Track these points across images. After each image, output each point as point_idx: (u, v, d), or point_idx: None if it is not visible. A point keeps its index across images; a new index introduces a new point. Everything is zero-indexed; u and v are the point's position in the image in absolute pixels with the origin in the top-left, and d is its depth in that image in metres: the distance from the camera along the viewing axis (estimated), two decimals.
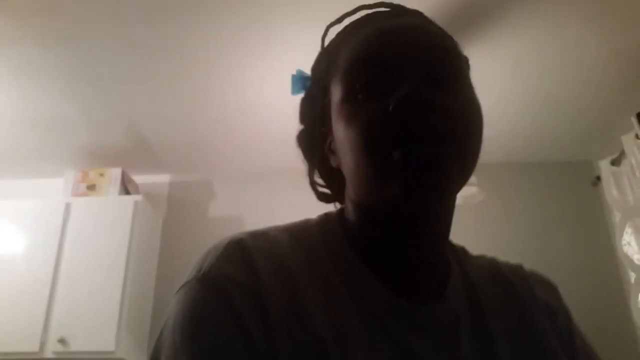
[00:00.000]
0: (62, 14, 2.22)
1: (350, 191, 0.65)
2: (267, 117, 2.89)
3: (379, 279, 0.60)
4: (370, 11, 0.68)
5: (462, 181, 0.58)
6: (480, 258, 0.74)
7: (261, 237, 0.60)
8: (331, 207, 0.74)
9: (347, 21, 0.68)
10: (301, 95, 0.73)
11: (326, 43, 0.70)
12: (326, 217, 0.68)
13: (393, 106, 0.54)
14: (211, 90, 2.79)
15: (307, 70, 0.73)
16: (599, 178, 3.17)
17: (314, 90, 0.69)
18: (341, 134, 0.60)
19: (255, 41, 2.38)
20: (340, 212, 0.69)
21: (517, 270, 0.74)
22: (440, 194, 0.56)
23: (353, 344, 0.54)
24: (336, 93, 0.62)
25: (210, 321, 0.51)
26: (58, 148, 3.38)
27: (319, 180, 0.73)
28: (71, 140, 3.29)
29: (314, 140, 0.69)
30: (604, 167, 2.99)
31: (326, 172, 0.71)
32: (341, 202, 0.73)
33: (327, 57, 0.67)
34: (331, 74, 0.64)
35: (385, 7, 0.67)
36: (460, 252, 0.72)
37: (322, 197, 0.74)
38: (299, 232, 0.64)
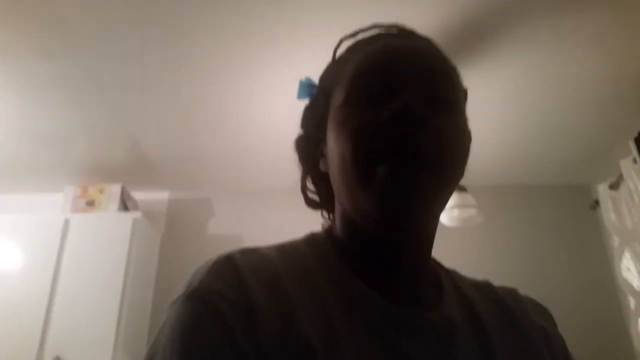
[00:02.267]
0: (62, 29, 2.23)
1: (337, 201, 0.68)
2: (267, 135, 2.90)
3: (371, 289, 0.61)
4: (382, 30, 0.70)
5: (439, 206, 0.60)
6: (474, 279, 0.76)
7: (250, 253, 0.61)
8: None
9: (359, 36, 0.71)
10: (305, 101, 0.75)
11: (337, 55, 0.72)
12: (312, 234, 0.70)
13: (387, 116, 0.56)
14: (212, 108, 2.80)
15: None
16: (597, 202, 3.17)
17: (318, 97, 0.72)
18: (332, 138, 0.62)
19: (256, 60, 2.39)
20: (327, 231, 0.70)
21: (512, 292, 0.75)
22: (416, 217, 0.58)
23: (346, 350, 0.54)
24: (337, 99, 0.64)
25: (200, 336, 0.51)
26: (58, 163, 3.38)
27: (311, 187, 0.75)
28: (71, 155, 3.30)
29: (309, 143, 0.72)
30: (602, 191, 3.00)
31: (316, 176, 0.74)
32: (328, 210, 0.75)
33: (335, 67, 0.70)
34: (336, 81, 0.67)
35: (397, 29, 0.70)
36: (452, 273, 0.74)
37: (310, 203, 0.76)
38: (288, 248, 0.66)
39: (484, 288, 0.73)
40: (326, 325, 0.55)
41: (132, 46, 2.34)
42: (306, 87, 0.74)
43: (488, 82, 2.49)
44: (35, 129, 3.01)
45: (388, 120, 0.56)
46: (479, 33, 2.21)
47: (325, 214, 0.76)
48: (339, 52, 0.72)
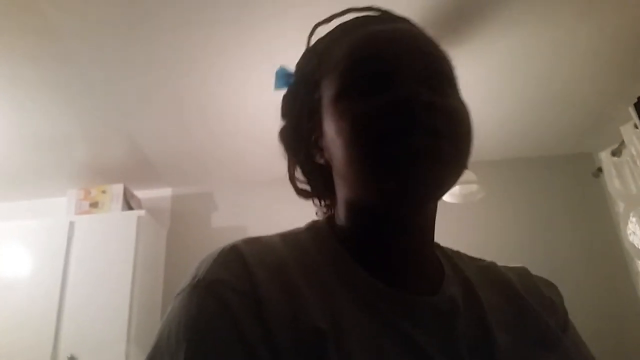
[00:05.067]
0: (53, 35, 2.22)
1: (341, 189, 0.66)
2: (266, 126, 2.89)
3: (374, 276, 0.61)
4: (358, 14, 0.70)
5: (456, 178, 0.59)
6: (477, 260, 0.75)
7: (254, 242, 0.61)
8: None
9: (335, 22, 0.70)
10: (283, 91, 0.74)
11: (312, 42, 0.72)
12: (314, 223, 0.69)
13: (393, 103, 0.56)
14: (209, 101, 2.79)
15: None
16: (600, 169, 3.17)
17: (299, 87, 0.71)
18: (333, 129, 0.61)
19: (254, 52, 2.38)
20: (328, 219, 0.70)
21: (521, 270, 0.75)
22: (438, 188, 0.58)
23: (352, 332, 0.54)
24: (330, 89, 0.63)
25: (206, 326, 0.51)
26: (59, 167, 3.39)
27: (300, 177, 0.75)
28: (72, 158, 3.30)
29: (300, 136, 0.70)
30: (605, 158, 2.99)
31: (309, 169, 0.72)
32: (320, 198, 0.75)
33: (316, 56, 0.69)
34: (323, 71, 0.65)
35: (373, 11, 0.69)
36: (453, 254, 0.73)
37: (300, 193, 0.76)
38: (291, 236, 0.65)
39: (490, 271, 0.73)
40: (332, 312, 0.55)
41: (124, 47, 2.33)
42: (283, 77, 0.73)
43: (484, 55, 2.47)
44: (33, 134, 3.01)
45: (394, 105, 0.56)
46: (473, 5, 2.19)
47: (317, 202, 0.75)
48: (314, 39, 0.71)
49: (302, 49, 0.72)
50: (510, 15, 2.25)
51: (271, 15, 2.18)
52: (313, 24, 0.71)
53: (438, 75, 0.61)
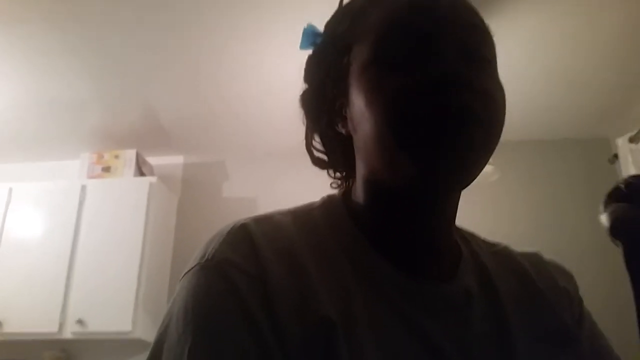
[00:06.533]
0: None
1: (361, 165, 0.63)
2: (281, 97, 2.87)
3: (387, 260, 0.59)
4: None
5: (484, 166, 0.57)
6: (493, 245, 0.73)
7: (264, 221, 0.59)
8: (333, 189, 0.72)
9: None
10: (309, 51, 0.69)
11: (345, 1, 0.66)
12: (329, 199, 0.67)
13: (430, 79, 0.53)
14: (224, 71, 2.78)
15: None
16: (616, 156, 3.12)
17: (327, 48, 0.66)
18: (363, 100, 0.57)
19: (269, 23, 2.36)
20: (344, 194, 0.67)
21: (535, 257, 0.72)
22: (467, 176, 0.56)
23: (361, 321, 0.53)
24: (362, 55, 0.59)
25: (213, 307, 0.51)
26: (73, 130, 3.40)
27: (317, 146, 0.71)
28: (86, 122, 3.31)
29: (323, 101, 0.66)
30: (622, 144, 2.95)
31: (330, 137, 0.69)
32: (336, 170, 0.72)
33: (349, 16, 0.64)
34: (356, 34, 0.61)
35: None
36: (470, 237, 0.71)
37: (317, 162, 0.72)
38: (303, 215, 0.63)
39: (503, 255, 0.70)
40: (343, 299, 0.54)
41: (140, 13, 2.32)
42: (310, 36, 0.68)
43: (505, 35, 2.43)
44: (48, 97, 3.01)
45: (431, 83, 0.52)
46: None
47: (332, 173, 0.72)
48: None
49: (326, 15, 0.68)
50: None
51: None
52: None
53: (479, 52, 0.57)
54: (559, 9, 2.29)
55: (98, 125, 3.36)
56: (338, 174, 0.72)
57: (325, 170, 0.73)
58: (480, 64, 0.57)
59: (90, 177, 3.38)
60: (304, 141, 0.71)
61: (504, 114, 0.58)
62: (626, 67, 2.70)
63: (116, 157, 3.43)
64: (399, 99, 0.54)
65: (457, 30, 0.56)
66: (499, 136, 0.58)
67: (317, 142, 0.71)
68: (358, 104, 0.58)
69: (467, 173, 0.55)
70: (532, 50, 2.58)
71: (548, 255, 0.75)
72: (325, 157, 0.71)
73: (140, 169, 3.44)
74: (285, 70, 2.64)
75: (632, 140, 2.86)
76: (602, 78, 2.82)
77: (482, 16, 0.61)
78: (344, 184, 0.72)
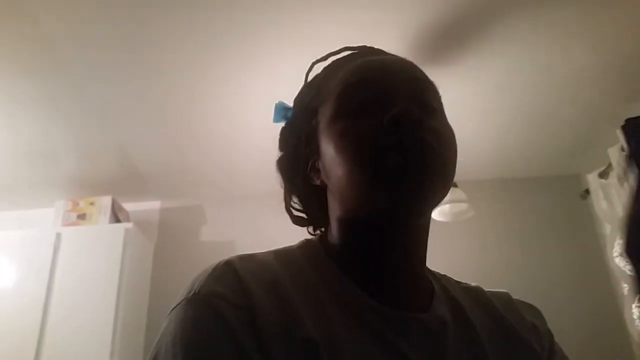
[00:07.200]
0: (46, 45, 2.22)
1: (336, 207, 0.68)
2: (255, 141, 2.90)
3: (366, 292, 0.62)
4: (353, 52, 0.75)
5: (444, 193, 0.63)
6: (464, 283, 0.78)
7: (248, 258, 0.62)
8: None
9: (330, 60, 0.76)
10: (281, 124, 0.78)
11: (309, 78, 0.76)
12: (307, 241, 0.72)
13: (387, 121, 0.59)
14: (199, 116, 2.80)
15: (289, 102, 0.78)
16: (587, 191, 3.19)
17: (297, 118, 0.74)
18: (332, 148, 0.63)
19: (242, 69, 2.39)
20: (320, 237, 0.72)
21: (503, 295, 0.77)
22: (429, 199, 0.60)
23: (344, 343, 0.55)
24: (328, 112, 0.67)
25: (202, 337, 0.52)
26: (47, 178, 3.36)
27: (295, 206, 0.77)
28: (61, 169, 3.28)
29: (298, 161, 0.73)
30: (592, 180, 3.01)
31: (306, 192, 0.75)
32: (315, 225, 0.77)
33: (314, 88, 0.73)
34: (321, 98, 0.69)
35: (368, 48, 0.75)
36: (440, 275, 0.76)
37: (297, 221, 0.78)
38: (284, 254, 0.67)
39: (475, 293, 0.75)
40: (326, 325, 0.56)
41: (116, 60, 2.34)
42: (281, 111, 0.77)
43: (474, 76, 2.50)
44: (23, 144, 2.99)
45: (391, 122, 0.59)
46: (465, 26, 2.21)
47: (312, 230, 0.78)
48: (311, 75, 0.76)
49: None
50: (499, 39, 2.28)
51: (262, 41, 2.20)
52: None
53: (426, 98, 0.65)
54: (529, 50, 2.36)
55: (73, 173, 3.33)
56: (318, 231, 0.77)
57: (306, 228, 0.79)
58: (429, 110, 0.64)
59: (65, 224, 3.33)
60: (283, 203, 0.77)
61: (455, 147, 0.64)
62: (595, 104, 2.79)
63: (91, 204, 3.40)
64: (365, 139, 0.60)
65: (406, 82, 0.64)
66: (453, 167, 0.63)
67: (295, 203, 0.77)
68: (329, 152, 0.64)
69: (427, 199, 0.60)
70: (501, 90, 2.65)
71: (523, 290, 0.77)
72: (304, 215, 0.77)
73: (116, 216, 3.41)
74: (257, 116, 2.67)
75: (601, 175, 2.93)
76: (570, 116, 2.90)
77: (424, 72, 0.70)
78: (321, 231, 0.77)
